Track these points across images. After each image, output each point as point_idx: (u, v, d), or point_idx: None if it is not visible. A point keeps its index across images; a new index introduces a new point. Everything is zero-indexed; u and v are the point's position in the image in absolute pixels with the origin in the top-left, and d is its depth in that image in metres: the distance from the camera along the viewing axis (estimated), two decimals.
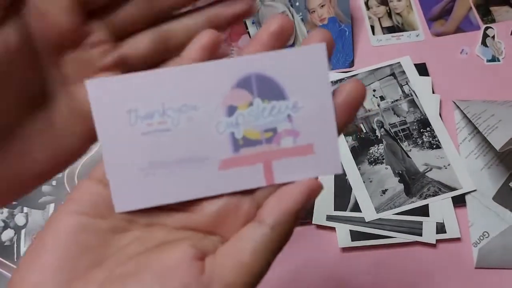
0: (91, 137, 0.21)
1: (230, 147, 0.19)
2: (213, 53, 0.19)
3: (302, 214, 0.19)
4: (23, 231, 0.46)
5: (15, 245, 0.46)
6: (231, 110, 0.19)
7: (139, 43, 0.21)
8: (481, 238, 0.48)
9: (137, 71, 0.18)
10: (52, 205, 0.47)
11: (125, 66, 0.21)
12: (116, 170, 0.18)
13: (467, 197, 0.49)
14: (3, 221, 0.46)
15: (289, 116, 0.19)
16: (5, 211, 0.47)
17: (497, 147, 0.43)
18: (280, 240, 0.18)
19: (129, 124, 0.18)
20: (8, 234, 0.46)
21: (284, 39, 0.19)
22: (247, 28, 0.54)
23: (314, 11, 0.57)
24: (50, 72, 0.20)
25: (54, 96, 0.20)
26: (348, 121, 0.19)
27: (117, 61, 0.20)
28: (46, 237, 0.18)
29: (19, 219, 0.46)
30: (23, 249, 0.45)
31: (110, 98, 0.18)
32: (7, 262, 0.44)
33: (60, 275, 0.17)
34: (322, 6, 0.56)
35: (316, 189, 0.19)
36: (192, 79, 0.18)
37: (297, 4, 0.56)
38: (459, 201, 0.48)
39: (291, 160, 0.19)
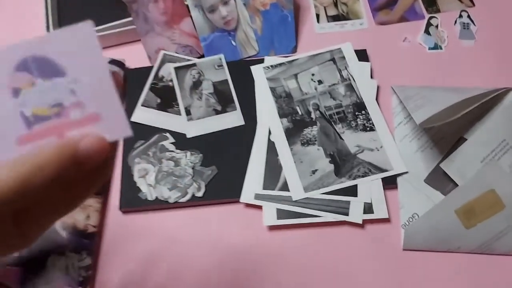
0: None
1: (23, 125, 0.21)
2: None
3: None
4: None
5: None
6: (16, 92, 0.21)
7: None
8: (410, 220, 0.47)
9: None
10: None
11: None
12: None
13: (399, 179, 0.49)
14: None
15: (72, 91, 0.21)
16: None
17: (418, 121, 0.43)
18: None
19: None
20: None
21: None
22: (189, 11, 0.55)
23: None
24: None
25: None
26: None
27: None
28: None
29: None
30: None
31: None
32: None
33: None
34: None
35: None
36: None
37: None
38: (390, 183, 0.48)
39: (83, 130, 0.21)
